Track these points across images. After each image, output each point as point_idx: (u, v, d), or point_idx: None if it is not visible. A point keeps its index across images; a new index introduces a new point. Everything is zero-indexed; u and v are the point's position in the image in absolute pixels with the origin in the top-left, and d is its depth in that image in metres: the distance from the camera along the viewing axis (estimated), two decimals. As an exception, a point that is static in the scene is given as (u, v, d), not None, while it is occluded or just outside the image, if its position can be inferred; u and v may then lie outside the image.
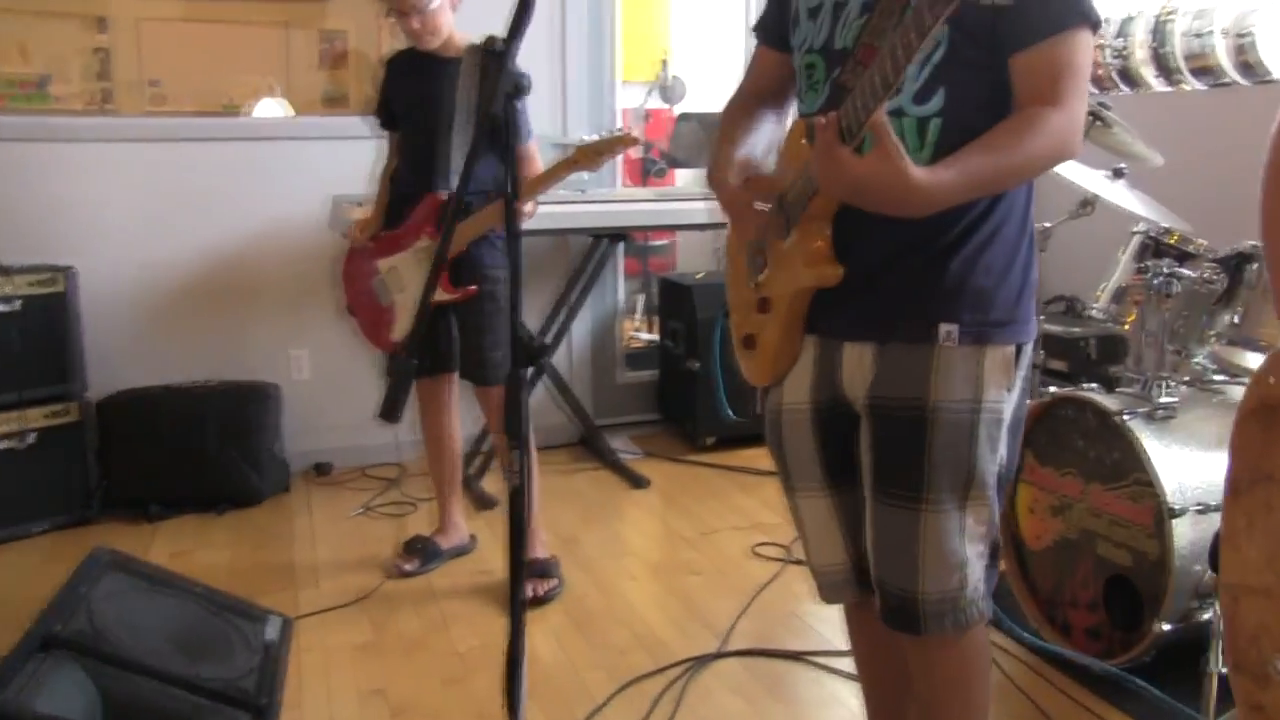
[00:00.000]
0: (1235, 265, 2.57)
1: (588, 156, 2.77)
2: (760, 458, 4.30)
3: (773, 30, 1.68)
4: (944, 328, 1.45)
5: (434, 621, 2.91)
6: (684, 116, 6.51)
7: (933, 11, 1.16)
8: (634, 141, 2.79)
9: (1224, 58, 3.74)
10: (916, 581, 1.50)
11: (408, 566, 3.23)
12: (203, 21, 4.61)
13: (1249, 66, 3.73)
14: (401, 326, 3.08)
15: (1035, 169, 1.39)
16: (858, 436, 1.56)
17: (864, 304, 1.50)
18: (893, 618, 1.55)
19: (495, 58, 1.52)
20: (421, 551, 3.27)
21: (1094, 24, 1.38)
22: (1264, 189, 1.31)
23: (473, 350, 3.10)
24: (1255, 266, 2.53)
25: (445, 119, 2.90)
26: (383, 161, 3.28)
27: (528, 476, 1.62)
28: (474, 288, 2.97)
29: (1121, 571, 2.44)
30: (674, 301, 4.66)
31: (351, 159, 4.06)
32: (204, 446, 3.74)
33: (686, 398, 4.50)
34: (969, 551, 1.50)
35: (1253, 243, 2.54)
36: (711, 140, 2.76)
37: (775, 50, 1.68)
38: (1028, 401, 1.57)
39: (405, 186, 3.13)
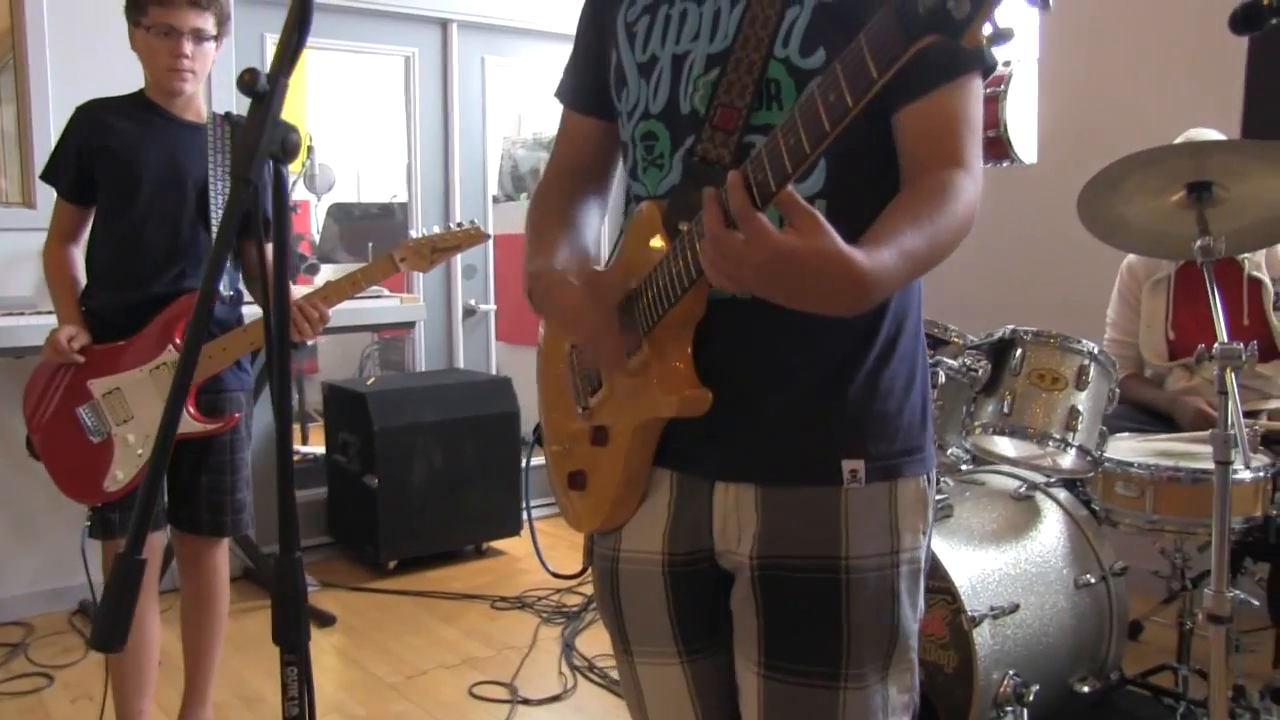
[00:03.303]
0: (997, 352, 2.50)
1: (418, 254, 2.36)
2: (453, 579, 4.01)
3: (584, 93, 1.42)
4: (848, 465, 1.21)
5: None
6: (333, 208, 6.15)
7: (906, 38, 0.83)
8: (485, 237, 2.43)
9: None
10: None
11: None
12: None
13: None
14: (124, 470, 2.36)
15: (953, 246, 1.11)
16: (724, 594, 1.31)
17: (739, 436, 1.24)
18: None
19: (257, 100, 1.10)
20: None
21: (988, 68, 1.18)
22: None
23: (211, 493, 2.47)
24: (1019, 353, 2.46)
25: (191, 197, 2.39)
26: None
27: (309, 705, 1.22)
28: (236, 415, 2.44)
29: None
30: (344, 411, 4.25)
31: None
32: None
33: (364, 517, 4.10)
34: None
35: (1012, 327, 2.51)
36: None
37: (591, 117, 1.42)
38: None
39: (120, 285, 2.41)
